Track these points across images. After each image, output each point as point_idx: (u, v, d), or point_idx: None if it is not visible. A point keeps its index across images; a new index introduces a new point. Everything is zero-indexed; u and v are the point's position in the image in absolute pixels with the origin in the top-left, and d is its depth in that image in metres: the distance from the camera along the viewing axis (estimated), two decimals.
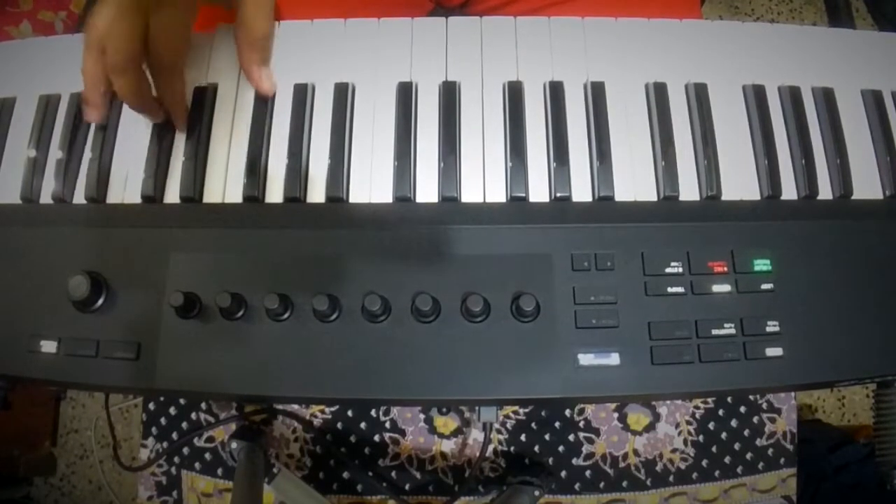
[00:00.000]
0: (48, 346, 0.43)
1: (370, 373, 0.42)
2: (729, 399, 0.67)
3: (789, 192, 0.47)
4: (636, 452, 0.67)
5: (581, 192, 0.46)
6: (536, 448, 0.67)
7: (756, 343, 0.42)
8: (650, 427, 0.68)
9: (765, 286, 0.43)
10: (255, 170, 0.46)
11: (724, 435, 0.67)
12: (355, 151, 0.47)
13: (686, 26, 0.51)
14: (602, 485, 0.67)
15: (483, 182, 0.46)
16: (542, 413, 0.68)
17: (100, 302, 0.43)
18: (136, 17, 0.43)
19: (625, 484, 0.67)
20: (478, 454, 0.65)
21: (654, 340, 0.42)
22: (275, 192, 0.46)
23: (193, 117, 0.48)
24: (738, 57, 0.50)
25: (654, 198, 0.46)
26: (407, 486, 0.67)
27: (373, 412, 0.67)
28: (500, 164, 0.47)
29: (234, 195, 0.47)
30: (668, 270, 0.43)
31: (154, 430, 0.68)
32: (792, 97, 0.49)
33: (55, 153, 0.49)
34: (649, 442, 0.67)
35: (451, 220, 0.45)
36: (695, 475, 0.67)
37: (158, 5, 0.43)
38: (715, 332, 0.42)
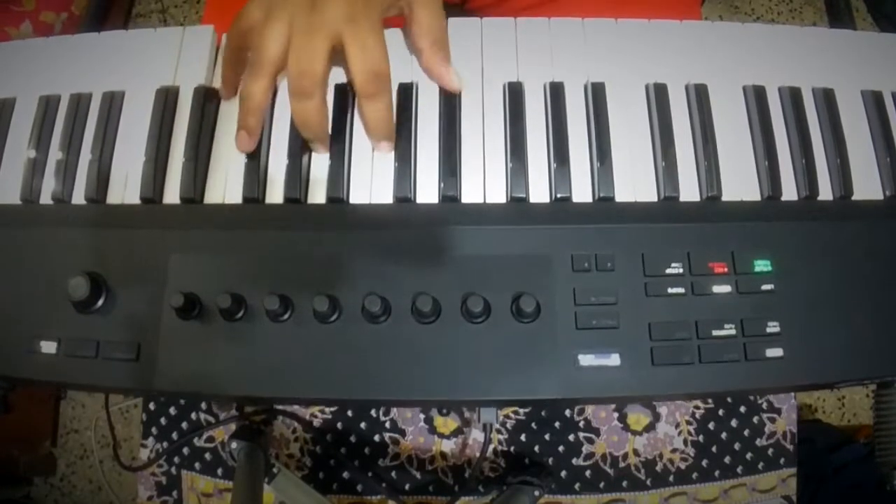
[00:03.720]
0: (48, 347, 0.43)
1: (370, 373, 0.42)
2: (729, 399, 0.68)
3: (790, 192, 0.47)
4: (636, 452, 0.67)
5: (581, 192, 0.46)
6: (536, 448, 0.67)
7: (756, 344, 0.42)
8: (650, 427, 0.68)
9: (765, 287, 0.43)
10: (256, 171, 0.46)
11: (724, 435, 0.67)
12: (355, 152, 0.47)
13: (686, 27, 0.51)
14: (602, 485, 0.67)
15: (483, 182, 0.46)
16: (542, 413, 0.68)
17: (100, 303, 0.43)
18: (326, 33, 0.42)
19: (625, 484, 0.67)
20: (478, 454, 0.65)
21: (654, 341, 0.42)
22: (275, 193, 0.46)
23: (193, 118, 0.48)
24: (739, 57, 0.50)
25: (654, 198, 0.46)
26: (407, 487, 0.67)
27: (373, 412, 0.67)
28: (500, 164, 0.47)
29: (234, 196, 0.47)
30: (668, 271, 0.43)
31: (154, 430, 0.68)
32: (792, 98, 0.49)
33: (55, 154, 0.49)
34: (649, 442, 0.67)
35: (452, 221, 0.45)
36: (695, 475, 0.67)
37: (352, 19, 0.42)
38: (715, 332, 0.42)
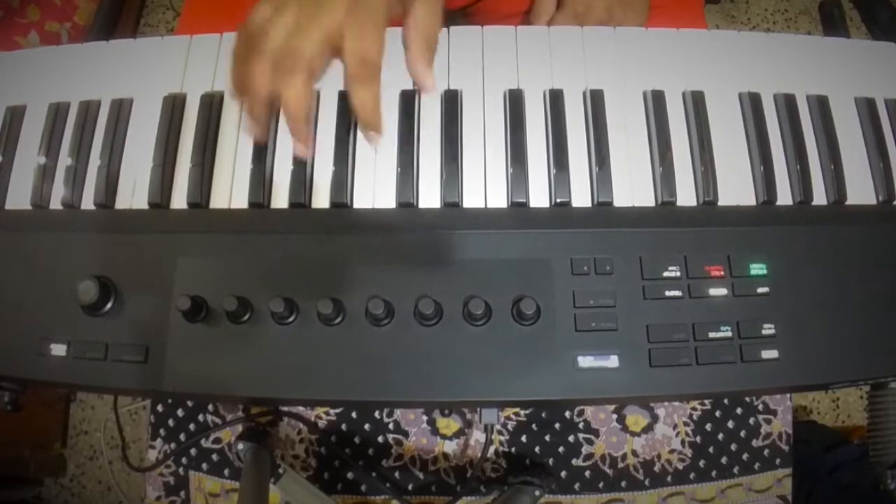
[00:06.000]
0: (58, 349, 0.44)
1: (374, 375, 0.43)
2: (725, 401, 0.68)
3: (784, 197, 0.48)
4: (634, 453, 0.68)
5: (580, 197, 0.47)
6: (537, 449, 0.68)
7: (752, 345, 0.43)
8: (648, 428, 0.68)
9: (760, 290, 0.44)
10: (261, 176, 0.47)
11: (720, 436, 0.68)
12: (359, 158, 0.48)
13: (683, 35, 0.51)
14: (601, 485, 0.67)
15: (484, 188, 0.47)
16: (543, 414, 0.68)
17: (108, 306, 0.44)
18: (327, 21, 0.41)
19: (623, 484, 0.67)
20: (479, 455, 0.66)
21: (652, 343, 0.43)
22: (280, 198, 0.47)
23: (200, 124, 0.49)
24: (735, 65, 0.51)
25: (652, 203, 0.47)
26: (410, 487, 0.67)
27: (376, 414, 0.68)
28: (501, 170, 0.48)
29: (240, 201, 0.47)
30: (665, 274, 0.44)
31: (162, 431, 0.68)
32: (787, 104, 0.50)
33: (65, 160, 0.49)
34: (647, 443, 0.68)
35: (453, 226, 0.45)
36: (692, 475, 0.67)
37: (354, 9, 0.42)
38: (712, 334, 0.43)
